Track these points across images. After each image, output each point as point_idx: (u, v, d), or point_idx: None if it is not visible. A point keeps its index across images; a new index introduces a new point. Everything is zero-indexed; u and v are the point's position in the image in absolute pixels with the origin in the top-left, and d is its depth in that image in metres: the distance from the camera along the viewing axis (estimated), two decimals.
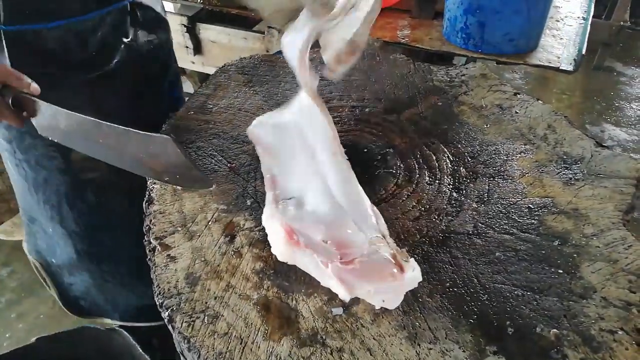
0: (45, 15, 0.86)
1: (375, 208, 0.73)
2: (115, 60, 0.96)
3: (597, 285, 0.65)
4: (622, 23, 3.40)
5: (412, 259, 0.63)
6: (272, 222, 0.70)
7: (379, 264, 0.63)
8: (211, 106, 1.02)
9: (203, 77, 2.15)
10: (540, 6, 1.18)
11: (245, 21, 1.93)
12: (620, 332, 0.60)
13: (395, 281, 0.61)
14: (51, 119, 0.80)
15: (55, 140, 0.83)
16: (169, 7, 1.65)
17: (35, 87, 0.77)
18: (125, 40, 0.98)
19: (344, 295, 0.62)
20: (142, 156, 0.77)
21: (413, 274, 0.62)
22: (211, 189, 0.81)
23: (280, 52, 1.61)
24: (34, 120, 0.81)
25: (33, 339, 1.28)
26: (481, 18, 1.21)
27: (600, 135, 2.78)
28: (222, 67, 1.15)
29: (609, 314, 0.62)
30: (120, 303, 1.25)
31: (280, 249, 0.67)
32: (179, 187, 0.82)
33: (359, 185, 0.76)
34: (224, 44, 1.77)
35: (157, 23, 1.06)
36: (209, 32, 1.77)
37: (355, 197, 0.75)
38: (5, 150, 1.03)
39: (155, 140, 0.75)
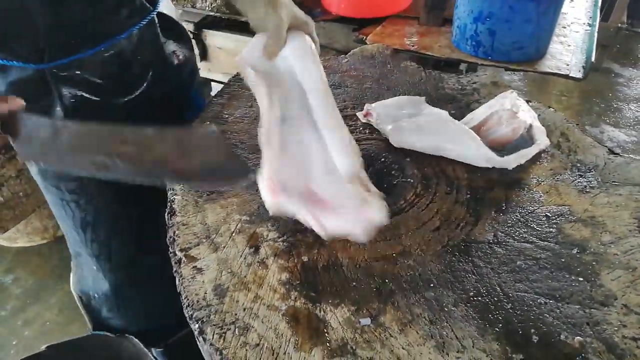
0: (86, 42, 0.85)
1: (354, 143, 0.78)
2: (149, 78, 0.95)
3: (617, 293, 0.67)
4: (619, 25, 3.44)
5: (378, 196, 0.72)
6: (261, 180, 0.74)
7: (351, 203, 0.71)
8: (227, 116, 1.03)
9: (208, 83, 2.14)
10: (549, 14, 1.20)
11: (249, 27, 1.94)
12: None
13: (362, 216, 0.69)
14: (48, 137, 0.71)
15: (41, 165, 0.78)
16: (174, 14, 1.65)
17: (19, 103, 0.69)
18: (160, 55, 0.98)
19: (320, 232, 0.69)
20: (170, 158, 0.70)
21: (378, 210, 0.70)
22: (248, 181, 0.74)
23: None
24: (18, 144, 0.71)
25: (43, 347, 1.28)
26: (491, 26, 1.23)
27: (599, 136, 2.80)
28: (235, 75, 1.16)
29: (630, 321, 0.63)
30: (160, 327, 1.25)
31: (267, 201, 0.72)
32: (200, 199, 0.83)
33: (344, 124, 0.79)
34: (231, 50, 1.78)
35: (179, 31, 1.07)
36: (215, 38, 1.78)
37: (339, 133, 0.77)
38: (51, 194, 1.02)
39: (196, 134, 0.71)
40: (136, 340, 1.23)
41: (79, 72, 0.86)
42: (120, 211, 1.04)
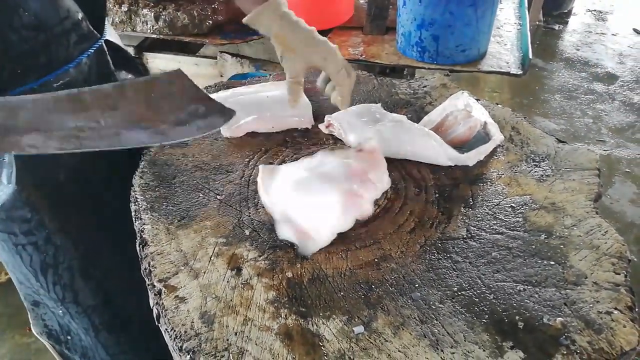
0: (33, 72, 0.81)
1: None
2: None
3: (586, 272, 0.71)
4: (537, 22, 3.70)
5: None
6: None
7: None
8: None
9: None
10: (487, 17, 1.27)
11: (189, 47, 1.91)
12: (615, 312, 0.65)
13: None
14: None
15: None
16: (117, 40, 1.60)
17: None
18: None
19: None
20: (142, 112, 0.63)
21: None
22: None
23: (237, 77, 1.61)
24: None
25: None
26: (434, 32, 1.29)
27: None
28: None
29: (602, 296, 0.68)
30: None
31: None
32: (172, 225, 0.80)
33: None
34: None
35: (128, 61, 1.02)
36: (157, 60, 1.74)
37: None
38: (2, 241, 0.94)
39: (160, 80, 0.64)
40: None
41: None
42: (83, 248, 0.98)
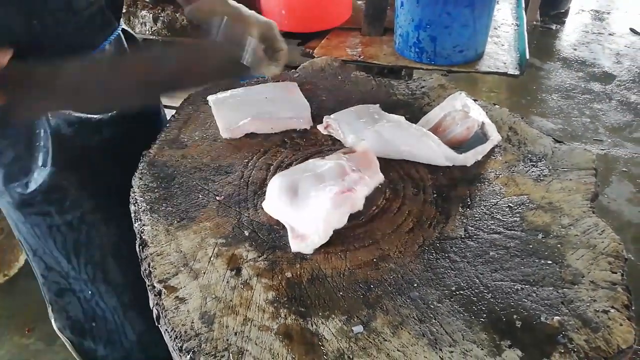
0: (65, 55, 0.82)
1: None
2: None
3: (583, 271, 0.72)
4: (534, 22, 3.71)
5: None
6: None
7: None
8: (185, 139, 1.01)
9: None
10: (484, 18, 1.28)
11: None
12: (612, 311, 0.66)
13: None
14: (47, 82, 0.74)
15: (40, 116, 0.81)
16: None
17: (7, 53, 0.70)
18: None
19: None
20: (182, 68, 0.80)
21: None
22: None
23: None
24: (11, 102, 0.72)
25: None
26: (432, 33, 1.29)
27: None
28: (188, 98, 1.14)
29: (599, 295, 0.68)
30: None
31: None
32: (171, 226, 0.81)
33: None
34: None
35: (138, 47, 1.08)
36: None
37: None
38: (35, 225, 0.98)
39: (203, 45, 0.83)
40: None
41: None
42: (114, 226, 1.02)
